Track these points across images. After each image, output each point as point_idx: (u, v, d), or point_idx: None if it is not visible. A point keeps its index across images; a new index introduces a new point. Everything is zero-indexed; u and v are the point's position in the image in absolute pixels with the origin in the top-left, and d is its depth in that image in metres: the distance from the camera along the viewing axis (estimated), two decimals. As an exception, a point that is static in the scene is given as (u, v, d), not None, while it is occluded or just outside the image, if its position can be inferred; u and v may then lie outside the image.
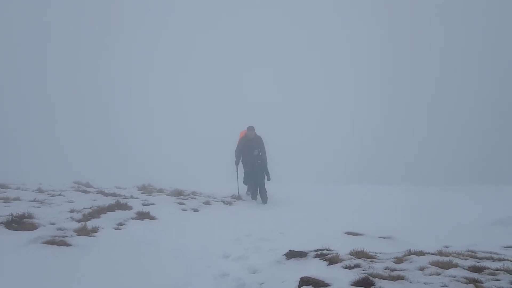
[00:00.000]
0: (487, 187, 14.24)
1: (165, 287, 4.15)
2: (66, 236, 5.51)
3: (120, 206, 7.66)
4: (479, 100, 33.55)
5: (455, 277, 3.68)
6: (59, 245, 5.13)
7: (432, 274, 3.81)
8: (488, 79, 35.28)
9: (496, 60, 35.23)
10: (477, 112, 32.99)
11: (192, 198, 10.07)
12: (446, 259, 4.27)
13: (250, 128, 11.77)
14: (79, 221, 6.56)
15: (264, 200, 11.16)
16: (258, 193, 11.43)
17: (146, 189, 11.03)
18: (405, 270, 3.99)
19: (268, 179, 11.53)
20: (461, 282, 3.51)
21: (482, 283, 3.50)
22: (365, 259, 4.52)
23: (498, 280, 3.58)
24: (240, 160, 11.89)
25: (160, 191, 10.90)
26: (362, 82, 39.67)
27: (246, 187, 12.11)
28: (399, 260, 4.41)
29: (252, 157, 11.45)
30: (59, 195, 9.13)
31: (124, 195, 9.40)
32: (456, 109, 33.91)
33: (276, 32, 45.40)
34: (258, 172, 11.39)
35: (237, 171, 12.11)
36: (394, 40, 41.35)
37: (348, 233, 6.89)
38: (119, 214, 7.20)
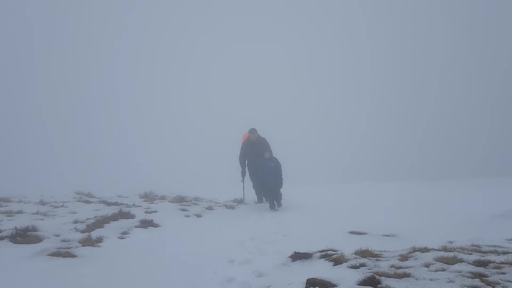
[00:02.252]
0: (489, 180, 14.26)
1: (172, 294, 4.17)
2: (71, 248, 5.53)
3: (123, 215, 7.67)
4: (482, 94, 33.59)
5: (460, 272, 3.70)
6: (65, 257, 5.16)
7: (438, 270, 3.82)
8: (491, 74, 35.31)
9: (498, 56, 35.30)
10: (479, 107, 33.03)
11: (195, 204, 10.07)
12: (450, 254, 4.29)
13: (252, 131, 11.15)
14: (83, 231, 6.57)
15: (279, 204, 10.51)
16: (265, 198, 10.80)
17: (148, 197, 11.03)
18: (411, 267, 4.00)
19: (280, 186, 10.67)
20: (467, 277, 3.53)
21: (487, 277, 3.52)
22: (370, 258, 4.53)
23: (504, 273, 3.60)
24: (246, 168, 11.30)
25: (162, 198, 10.89)
26: (364, 81, 39.66)
27: (252, 193, 11.49)
28: (404, 258, 4.43)
29: (263, 161, 10.67)
30: (62, 206, 9.14)
31: (126, 204, 9.41)
32: (458, 104, 33.94)
33: (276, 32, 45.40)
34: (272, 177, 10.54)
35: (243, 181, 11.48)
36: (397, 38, 41.39)
37: (352, 232, 6.90)
38: (123, 223, 7.21)
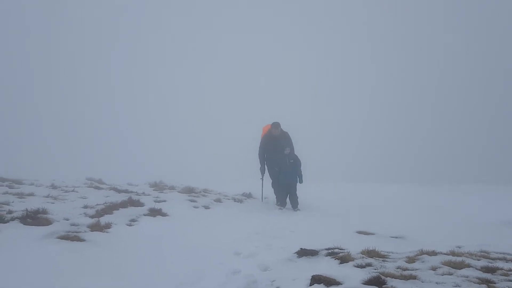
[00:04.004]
0: (498, 187, 14.11)
1: (177, 283, 4.19)
2: (80, 232, 5.59)
3: (132, 203, 7.75)
4: (485, 96, 33.22)
5: (467, 277, 3.66)
6: (73, 240, 5.20)
7: (445, 274, 3.79)
8: (493, 76, 34.88)
9: (500, 56, 34.82)
10: (484, 109, 32.65)
11: (203, 195, 10.13)
12: (458, 259, 4.25)
13: (275, 125, 10.04)
14: (92, 217, 6.64)
15: (295, 205, 9.85)
16: (288, 198, 10.06)
17: (158, 186, 11.11)
18: (417, 269, 3.98)
19: (301, 182, 10.06)
20: (474, 282, 3.50)
21: (494, 283, 3.48)
22: (376, 258, 4.51)
23: (511, 281, 3.56)
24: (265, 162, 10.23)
25: (172, 188, 10.97)
26: (365, 81, 39.44)
27: (270, 190, 10.51)
28: (411, 260, 4.40)
29: (282, 157, 9.90)
30: (73, 191, 9.26)
31: (136, 192, 9.49)
32: (462, 106, 33.60)
33: (276, 31, 45.36)
34: (290, 174, 9.91)
35: (262, 178, 10.39)
36: (398, 38, 41.05)
37: (359, 232, 6.88)
38: (132, 211, 7.28)
